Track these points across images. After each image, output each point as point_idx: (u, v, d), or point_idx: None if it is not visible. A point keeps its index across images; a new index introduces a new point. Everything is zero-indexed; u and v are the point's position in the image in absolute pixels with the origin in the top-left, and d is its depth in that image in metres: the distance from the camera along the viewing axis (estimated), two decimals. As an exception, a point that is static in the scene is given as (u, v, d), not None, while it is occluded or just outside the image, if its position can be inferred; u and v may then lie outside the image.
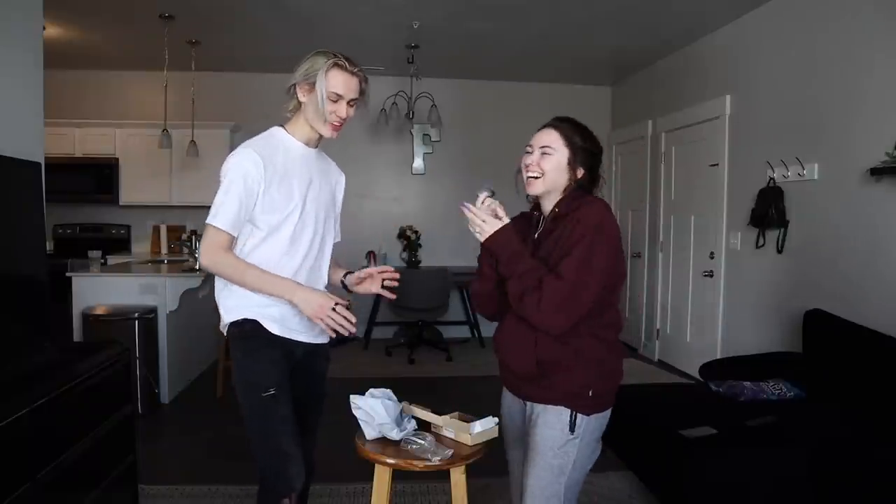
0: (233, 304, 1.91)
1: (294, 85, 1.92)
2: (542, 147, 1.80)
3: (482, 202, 1.76)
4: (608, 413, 1.82)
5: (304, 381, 2.01)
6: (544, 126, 1.83)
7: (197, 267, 4.79)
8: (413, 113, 6.09)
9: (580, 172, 1.80)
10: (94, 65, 6.23)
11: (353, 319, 1.81)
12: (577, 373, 1.71)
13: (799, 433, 2.67)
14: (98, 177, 6.17)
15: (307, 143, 1.98)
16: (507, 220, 1.74)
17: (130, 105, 6.46)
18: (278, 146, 1.93)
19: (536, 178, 1.79)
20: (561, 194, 1.81)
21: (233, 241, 1.87)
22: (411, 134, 6.87)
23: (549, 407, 1.75)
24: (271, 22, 4.97)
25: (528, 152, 1.82)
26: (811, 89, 3.88)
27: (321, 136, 1.97)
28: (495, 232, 1.71)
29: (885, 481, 2.30)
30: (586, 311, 1.67)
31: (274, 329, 1.89)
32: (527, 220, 1.91)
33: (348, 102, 1.90)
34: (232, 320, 1.91)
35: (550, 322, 1.65)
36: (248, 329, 1.88)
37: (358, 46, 5.53)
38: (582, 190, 1.82)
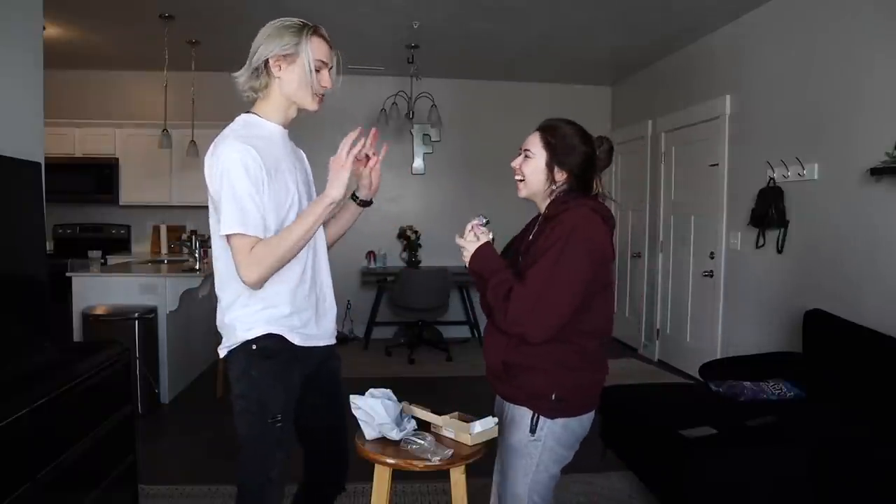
0: (251, 319, 1.72)
1: (265, 61, 1.72)
2: (525, 150, 1.82)
3: (470, 230, 1.79)
4: (583, 420, 1.79)
5: (322, 385, 1.93)
6: (534, 131, 1.85)
7: (197, 267, 4.79)
8: (413, 113, 6.09)
9: (560, 175, 1.78)
10: (95, 65, 6.23)
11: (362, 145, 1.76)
12: (541, 375, 1.71)
13: (799, 433, 2.67)
14: (98, 177, 6.17)
15: (284, 124, 1.82)
16: (484, 239, 1.77)
17: (130, 105, 6.46)
18: (261, 135, 1.75)
19: (521, 181, 1.83)
20: (549, 197, 1.81)
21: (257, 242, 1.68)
22: (411, 134, 6.87)
23: (515, 406, 1.78)
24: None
25: (518, 154, 1.86)
26: (811, 89, 3.88)
27: (297, 113, 1.82)
28: (475, 251, 1.75)
29: (886, 481, 2.30)
30: (564, 317, 1.65)
31: (297, 340, 1.76)
32: (528, 225, 1.94)
33: (328, 71, 1.76)
34: (252, 336, 1.71)
35: (520, 330, 1.66)
36: (272, 346, 1.72)
37: (358, 46, 5.54)
38: (574, 192, 1.79)
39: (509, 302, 1.65)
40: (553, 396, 1.71)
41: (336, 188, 1.70)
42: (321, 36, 1.75)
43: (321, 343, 1.86)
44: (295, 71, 1.73)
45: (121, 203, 6.29)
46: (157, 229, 6.49)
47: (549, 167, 1.78)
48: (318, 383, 1.91)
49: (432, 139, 6.91)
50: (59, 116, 5.68)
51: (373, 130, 1.88)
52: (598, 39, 5.38)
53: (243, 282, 1.67)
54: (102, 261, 5.08)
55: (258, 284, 1.67)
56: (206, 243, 5.42)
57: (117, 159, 6.21)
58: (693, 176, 5.27)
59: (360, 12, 4.72)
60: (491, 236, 1.79)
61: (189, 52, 5.45)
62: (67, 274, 4.40)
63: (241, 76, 1.79)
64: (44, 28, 3.26)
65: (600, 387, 1.85)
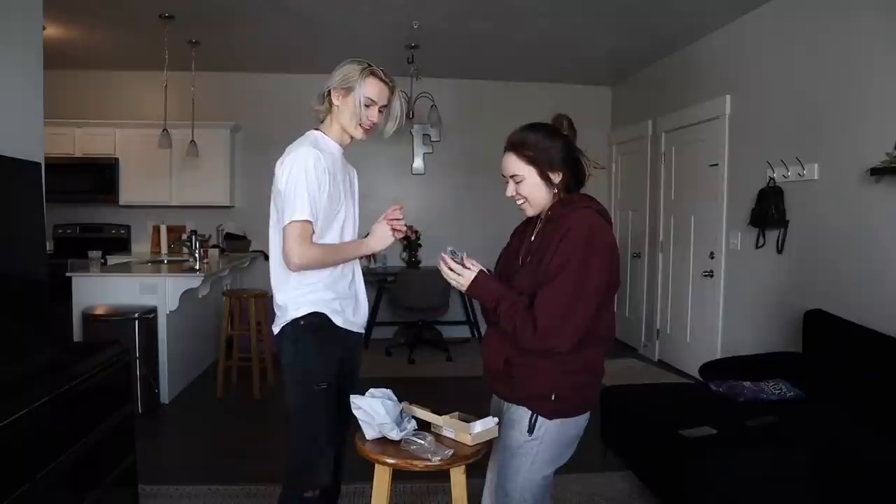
0: (299, 300, 2.00)
1: (329, 90, 2.04)
2: (511, 176, 1.81)
3: (448, 263, 1.78)
4: (579, 421, 1.79)
5: (349, 370, 2.14)
6: (504, 151, 1.83)
7: (197, 267, 4.79)
8: (413, 113, 6.09)
9: (558, 176, 1.78)
10: (94, 65, 6.23)
11: (402, 218, 2.10)
12: (542, 375, 1.72)
13: (799, 433, 2.67)
14: (98, 177, 6.17)
15: (342, 144, 2.12)
16: (477, 269, 1.76)
17: (130, 105, 6.45)
18: (326, 148, 2.05)
19: (523, 202, 1.83)
20: (553, 200, 1.81)
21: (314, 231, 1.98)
22: (411, 134, 6.87)
23: (514, 406, 1.78)
24: (271, 22, 4.97)
25: (505, 182, 1.84)
26: (811, 89, 3.88)
27: (351, 138, 2.11)
28: (472, 282, 1.74)
29: (886, 481, 2.31)
30: (589, 326, 1.67)
31: (339, 321, 2.04)
32: (527, 223, 1.93)
33: (379, 108, 2.05)
34: (302, 314, 1.99)
35: (552, 344, 1.65)
36: (318, 322, 2.00)
37: (358, 46, 5.53)
38: (572, 191, 1.80)
39: (535, 319, 1.63)
40: (553, 397, 1.72)
41: (377, 243, 2.10)
42: (377, 77, 2.05)
43: (356, 329, 2.13)
44: (348, 104, 2.03)
45: (121, 203, 6.29)
46: (157, 229, 6.48)
47: (544, 177, 1.77)
48: (345, 370, 2.11)
49: (432, 139, 6.91)
50: (59, 116, 5.67)
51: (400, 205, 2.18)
52: (598, 39, 5.38)
53: (286, 262, 1.94)
54: (102, 261, 5.07)
55: (296, 270, 1.96)
56: (205, 243, 5.43)
57: (117, 159, 6.21)
58: (693, 176, 5.27)
59: (360, 12, 4.72)
60: (470, 261, 1.78)
61: (189, 52, 5.45)
62: (67, 274, 4.40)
63: (314, 99, 2.11)
64: (44, 28, 3.26)
65: (598, 389, 1.86)
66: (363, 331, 2.19)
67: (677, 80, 5.59)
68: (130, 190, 6.25)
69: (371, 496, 1.84)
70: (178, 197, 6.27)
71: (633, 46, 5.56)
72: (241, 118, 6.40)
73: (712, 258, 4.95)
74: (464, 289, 1.76)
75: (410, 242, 6.58)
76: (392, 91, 2.08)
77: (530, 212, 1.84)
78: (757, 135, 4.41)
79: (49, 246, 5.61)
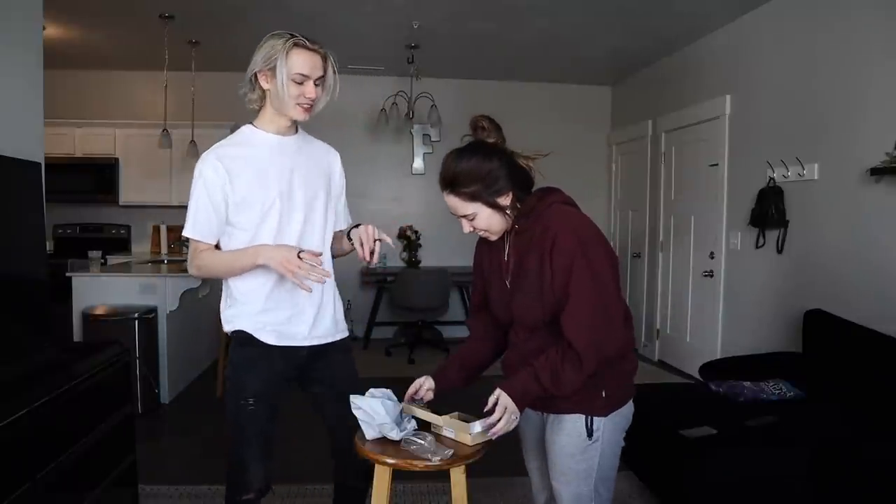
0: (230, 315, 1.96)
1: (255, 74, 1.86)
2: (461, 216, 1.69)
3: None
4: (629, 405, 1.77)
5: (327, 379, 2.05)
6: (442, 190, 1.70)
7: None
8: (413, 113, 6.09)
9: (508, 197, 1.67)
10: (94, 65, 6.23)
11: (324, 269, 1.82)
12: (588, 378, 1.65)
13: (799, 433, 2.67)
14: (98, 177, 6.17)
15: (281, 133, 1.94)
16: (497, 393, 1.63)
17: (130, 105, 6.46)
18: (245, 143, 1.92)
19: (484, 232, 1.73)
20: (513, 216, 1.71)
21: (212, 248, 1.92)
22: (411, 134, 6.87)
23: (564, 416, 1.72)
24: (271, 22, 4.90)
25: (458, 219, 1.72)
26: (811, 89, 3.88)
27: (296, 121, 1.93)
28: (514, 399, 1.62)
29: (885, 481, 2.30)
30: (620, 311, 1.65)
31: (269, 339, 1.92)
32: (492, 242, 1.81)
33: (314, 82, 1.83)
34: (229, 331, 1.97)
35: (605, 354, 1.61)
36: (243, 338, 1.93)
37: (358, 46, 5.54)
38: (525, 199, 1.70)
39: (571, 350, 1.57)
40: (603, 394, 1.69)
41: (269, 260, 1.81)
42: (303, 47, 1.80)
43: (304, 343, 1.97)
44: (276, 84, 1.82)
45: (121, 203, 6.30)
46: (157, 229, 6.48)
47: (494, 206, 1.66)
48: (323, 377, 2.04)
49: (432, 139, 6.90)
50: (59, 116, 5.67)
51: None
52: (598, 39, 5.38)
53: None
54: (102, 261, 5.08)
55: (198, 277, 2.00)
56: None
57: (117, 159, 6.21)
58: (693, 176, 5.27)
59: (361, 12, 4.72)
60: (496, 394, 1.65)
61: (189, 52, 5.45)
62: (67, 274, 4.40)
63: (242, 89, 1.93)
64: (44, 28, 3.26)
65: (636, 369, 1.81)
66: (325, 340, 2.01)
67: (677, 80, 5.59)
68: (130, 190, 6.25)
69: (371, 496, 1.83)
70: (178, 197, 6.26)
71: (633, 46, 5.56)
72: (241, 118, 6.28)
73: (712, 258, 4.95)
74: (514, 407, 1.62)
75: (410, 242, 6.58)
76: (325, 59, 1.84)
77: (495, 237, 1.74)
78: (757, 135, 4.41)
79: (49, 246, 5.62)
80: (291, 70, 1.80)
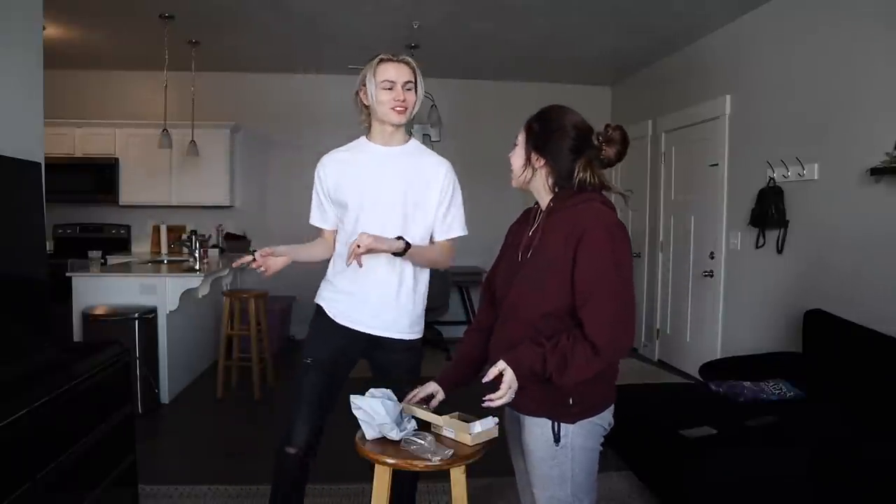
0: (319, 289, 2.28)
1: (357, 95, 2.13)
2: (515, 140, 1.79)
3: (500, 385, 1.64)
4: (605, 415, 1.74)
5: (389, 373, 2.24)
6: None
7: (197, 267, 4.79)
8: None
9: (538, 162, 1.72)
10: (94, 65, 6.23)
11: (263, 268, 2.13)
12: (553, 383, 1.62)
13: (799, 433, 2.67)
14: (98, 177, 6.17)
15: (387, 144, 2.18)
16: (502, 365, 1.62)
17: (130, 105, 6.45)
18: (354, 149, 2.21)
19: (512, 171, 1.80)
20: (547, 190, 1.74)
21: (325, 232, 2.29)
22: (411, 134, 6.86)
23: (532, 418, 1.71)
24: (271, 22, 4.97)
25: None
26: (811, 89, 3.88)
27: (405, 135, 2.21)
28: (512, 370, 1.61)
29: (885, 481, 2.30)
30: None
31: (335, 316, 2.20)
32: (525, 218, 1.87)
33: (403, 86, 2.07)
34: (316, 301, 2.27)
35: (625, 345, 1.62)
36: (318, 309, 2.24)
37: (358, 46, 5.53)
38: (573, 188, 1.70)
39: (584, 340, 1.57)
40: (570, 401, 1.65)
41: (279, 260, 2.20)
42: (387, 60, 2.09)
43: (365, 330, 2.19)
44: (370, 95, 2.09)
45: (121, 203, 6.29)
46: (157, 229, 6.48)
47: (527, 153, 1.73)
48: (380, 367, 2.28)
49: (432, 139, 6.89)
50: (59, 116, 5.67)
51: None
52: (598, 39, 5.37)
53: None
54: (102, 261, 5.07)
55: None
56: (205, 243, 5.43)
57: (117, 159, 6.21)
58: (693, 176, 5.27)
59: (361, 12, 4.72)
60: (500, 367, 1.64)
61: (189, 52, 5.45)
62: (67, 274, 4.40)
63: (359, 115, 2.21)
64: (44, 28, 3.26)
65: (615, 378, 1.78)
66: (390, 335, 2.22)
67: (677, 80, 5.59)
68: (130, 190, 6.25)
69: (371, 496, 1.83)
70: (178, 197, 6.27)
71: (632, 46, 5.56)
72: (241, 118, 6.40)
73: (712, 258, 4.95)
74: (515, 382, 1.62)
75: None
76: (410, 66, 2.11)
77: (513, 182, 1.80)
78: (757, 135, 4.41)
79: (49, 246, 5.62)
80: (379, 79, 2.06)
